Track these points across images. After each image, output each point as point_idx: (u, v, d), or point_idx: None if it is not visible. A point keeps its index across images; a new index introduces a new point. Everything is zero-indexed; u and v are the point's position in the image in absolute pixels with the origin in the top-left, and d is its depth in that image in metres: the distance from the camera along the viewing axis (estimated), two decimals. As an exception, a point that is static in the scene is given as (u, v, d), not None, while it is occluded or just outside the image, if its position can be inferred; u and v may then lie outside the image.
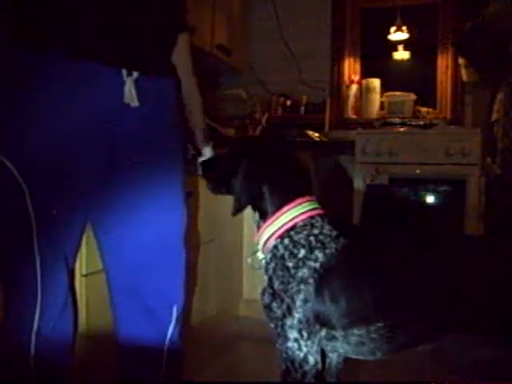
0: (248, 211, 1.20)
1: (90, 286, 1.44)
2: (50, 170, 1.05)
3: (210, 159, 1.36)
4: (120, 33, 1.07)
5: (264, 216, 1.14)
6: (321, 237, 1.08)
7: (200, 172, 1.31)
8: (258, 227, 1.16)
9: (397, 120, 3.06)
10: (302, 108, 3.47)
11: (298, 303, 1.05)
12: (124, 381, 1.30)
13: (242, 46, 3.40)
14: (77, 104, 1.04)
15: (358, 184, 2.89)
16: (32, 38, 1.03)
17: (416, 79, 3.40)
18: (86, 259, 1.42)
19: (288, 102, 3.49)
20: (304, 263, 1.06)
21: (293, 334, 1.06)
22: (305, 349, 1.06)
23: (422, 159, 2.79)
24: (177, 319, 1.27)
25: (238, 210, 1.15)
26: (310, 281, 1.05)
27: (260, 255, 1.17)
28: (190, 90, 1.37)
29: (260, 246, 1.15)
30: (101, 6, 1.05)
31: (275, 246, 1.11)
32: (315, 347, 1.07)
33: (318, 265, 1.05)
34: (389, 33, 3.30)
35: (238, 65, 3.35)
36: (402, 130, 2.94)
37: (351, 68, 3.49)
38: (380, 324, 1.04)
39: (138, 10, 1.10)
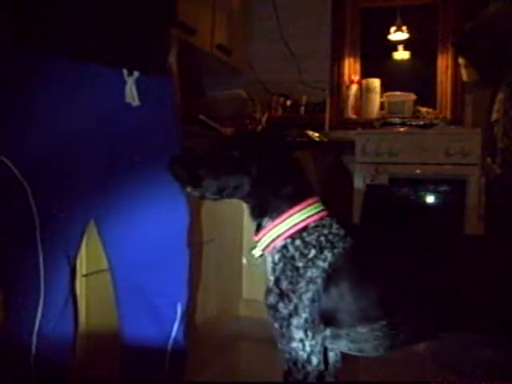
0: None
1: (90, 286, 1.44)
2: (51, 169, 1.06)
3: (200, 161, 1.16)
4: (120, 33, 1.08)
5: (272, 215, 1.10)
6: (330, 236, 1.08)
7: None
8: (259, 226, 1.13)
9: (397, 120, 3.06)
10: (302, 108, 3.47)
11: (306, 303, 1.05)
12: (126, 380, 1.30)
13: (242, 46, 3.41)
14: (78, 104, 1.04)
15: (358, 184, 2.89)
16: (32, 39, 1.04)
17: (416, 79, 3.40)
18: (85, 259, 1.42)
19: (288, 102, 3.49)
20: (313, 263, 1.05)
21: (298, 334, 1.05)
22: (308, 349, 1.05)
23: (422, 159, 2.80)
24: (181, 318, 1.28)
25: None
26: (319, 280, 1.05)
27: (257, 253, 1.14)
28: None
29: (262, 245, 1.13)
30: (101, 6, 1.05)
31: (284, 247, 1.09)
32: (318, 347, 1.07)
33: (326, 264, 1.05)
34: (389, 33, 3.30)
35: (237, 65, 3.36)
36: (402, 129, 2.94)
37: (351, 68, 3.49)
38: (384, 322, 1.04)
39: (138, 9, 1.10)
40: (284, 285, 1.07)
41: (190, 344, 1.38)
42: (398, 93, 3.29)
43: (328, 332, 1.08)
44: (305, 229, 1.08)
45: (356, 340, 1.08)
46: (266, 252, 1.13)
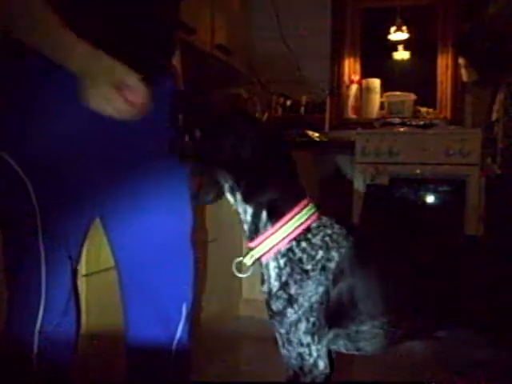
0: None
1: (90, 286, 1.44)
2: (53, 168, 1.06)
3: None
4: (122, 34, 1.08)
5: (271, 218, 1.06)
6: (335, 236, 1.06)
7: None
8: (257, 230, 1.07)
9: (397, 120, 3.06)
10: (302, 108, 3.48)
11: (315, 306, 1.02)
12: (130, 380, 1.30)
13: (242, 46, 3.41)
14: (80, 102, 1.04)
15: (358, 184, 2.89)
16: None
17: (416, 79, 3.41)
18: (85, 259, 1.42)
19: (288, 102, 3.49)
20: (322, 265, 1.03)
21: (306, 339, 1.03)
22: (315, 353, 1.03)
23: (422, 159, 2.80)
24: (186, 317, 1.28)
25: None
26: (327, 282, 1.03)
27: (249, 261, 1.09)
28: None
29: (261, 252, 1.07)
30: (101, 8, 1.05)
31: (290, 250, 1.05)
32: (324, 349, 1.05)
33: (333, 265, 1.03)
34: (389, 33, 3.31)
35: (238, 65, 3.36)
36: (401, 129, 2.95)
37: (351, 68, 3.50)
38: (384, 319, 1.04)
39: (140, 12, 1.10)
40: (293, 289, 1.03)
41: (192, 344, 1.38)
42: (397, 93, 3.30)
43: (331, 334, 1.07)
44: (308, 230, 1.06)
45: (355, 339, 1.07)
46: (266, 258, 1.07)
